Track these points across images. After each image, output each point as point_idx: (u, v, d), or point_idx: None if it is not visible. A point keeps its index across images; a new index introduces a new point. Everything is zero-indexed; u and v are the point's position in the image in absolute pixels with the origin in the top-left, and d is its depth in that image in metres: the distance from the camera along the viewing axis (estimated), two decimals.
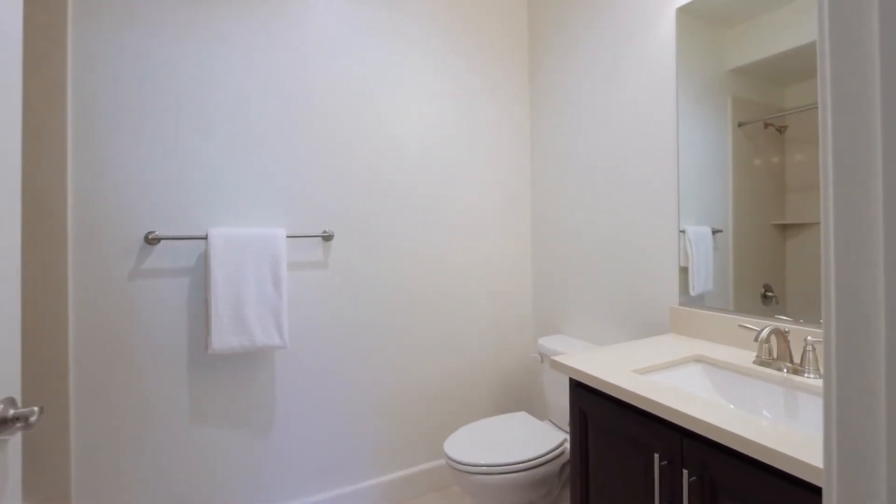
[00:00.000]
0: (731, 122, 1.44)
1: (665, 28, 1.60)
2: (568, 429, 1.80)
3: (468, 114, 2.13)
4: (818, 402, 1.03)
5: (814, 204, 1.20)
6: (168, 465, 1.57)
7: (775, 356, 1.16)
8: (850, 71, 0.35)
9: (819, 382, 1.05)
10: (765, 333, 1.10)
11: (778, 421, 1.08)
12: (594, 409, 1.18)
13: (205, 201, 1.63)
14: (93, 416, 1.48)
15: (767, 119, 1.31)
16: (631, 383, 1.07)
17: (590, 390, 1.20)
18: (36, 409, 0.63)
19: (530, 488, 1.57)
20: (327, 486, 1.83)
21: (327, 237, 1.80)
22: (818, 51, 0.38)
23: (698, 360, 1.29)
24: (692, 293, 1.52)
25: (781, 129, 1.29)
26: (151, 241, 1.53)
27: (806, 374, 1.09)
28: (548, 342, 1.95)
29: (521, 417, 1.86)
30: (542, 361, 1.97)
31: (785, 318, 1.26)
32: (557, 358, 1.29)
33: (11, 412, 0.63)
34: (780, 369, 1.13)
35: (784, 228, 1.27)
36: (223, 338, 1.54)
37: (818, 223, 1.20)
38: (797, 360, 1.18)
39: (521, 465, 1.54)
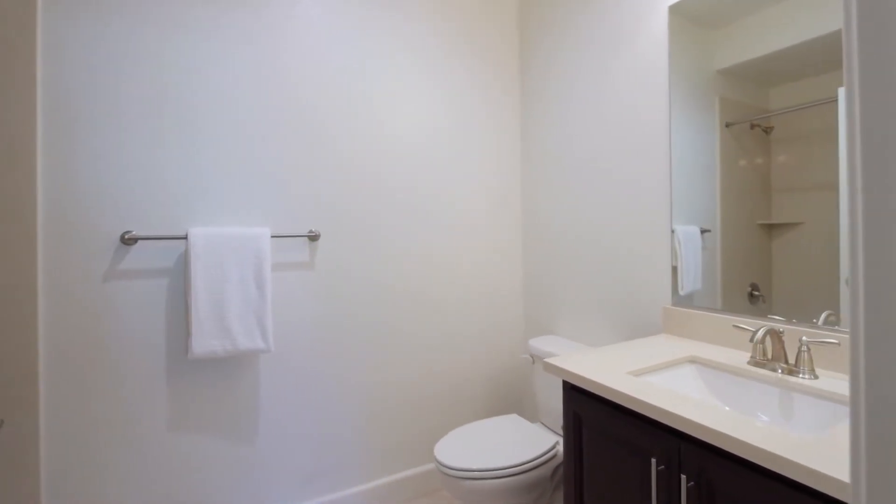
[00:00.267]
0: (719, 122, 1.44)
1: (657, 26, 1.58)
2: (559, 431, 1.78)
3: (457, 112, 2.09)
4: (814, 403, 1.02)
5: (798, 204, 1.21)
6: (145, 474, 1.50)
7: (770, 357, 1.15)
8: (879, 61, 0.32)
9: (814, 383, 1.04)
10: (760, 334, 1.08)
11: (774, 423, 1.07)
12: (589, 412, 1.15)
13: (185, 199, 1.56)
14: (64, 425, 1.40)
15: (754, 120, 1.32)
16: (627, 386, 1.05)
17: (584, 393, 1.18)
18: None
19: (522, 492, 1.54)
20: (314, 493, 1.77)
21: (313, 237, 1.75)
22: (844, 39, 0.35)
23: (692, 360, 1.28)
24: (681, 293, 1.53)
25: (767, 130, 1.30)
26: (128, 240, 1.46)
27: (801, 375, 1.08)
28: (539, 343, 1.93)
29: (512, 420, 1.83)
30: (534, 363, 1.94)
31: (778, 317, 1.25)
32: (551, 360, 1.26)
33: None
34: (774, 370, 1.12)
35: (770, 228, 1.29)
36: (204, 342, 1.48)
37: (803, 223, 1.21)
38: (792, 360, 1.17)
39: (512, 469, 1.51)
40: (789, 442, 0.77)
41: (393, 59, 1.93)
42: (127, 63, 1.48)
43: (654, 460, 0.96)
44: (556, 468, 1.64)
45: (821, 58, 1.16)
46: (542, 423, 1.87)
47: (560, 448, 1.66)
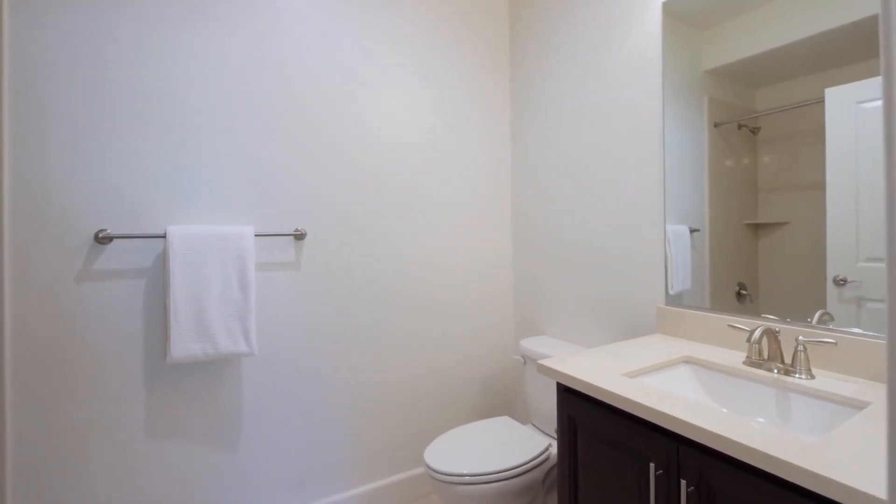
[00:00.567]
0: (708, 122, 1.44)
1: (650, 24, 1.57)
2: (551, 433, 1.76)
3: (448, 111, 2.06)
4: (812, 404, 1.00)
5: (785, 204, 1.22)
6: (123, 482, 1.43)
7: (766, 357, 1.14)
8: None
9: (811, 383, 1.03)
10: (757, 334, 1.07)
11: (773, 424, 1.05)
12: (584, 415, 1.12)
13: (163, 196, 1.49)
14: (33, 433, 1.33)
15: (741, 120, 1.33)
16: (623, 388, 1.02)
17: (579, 395, 1.15)
18: None
19: (514, 496, 1.51)
20: (301, 500, 1.72)
21: (299, 236, 1.69)
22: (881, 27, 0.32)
23: (687, 361, 1.26)
24: (671, 292, 1.53)
25: (755, 131, 1.31)
26: (102, 239, 1.40)
27: (797, 375, 1.07)
28: (530, 344, 1.90)
29: (504, 422, 1.80)
30: (525, 364, 1.91)
31: (772, 316, 1.24)
32: (545, 362, 1.23)
33: None
34: (770, 370, 1.11)
35: (756, 228, 1.29)
36: (183, 345, 1.42)
37: (789, 223, 1.22)
38: (788, 360, 1.16)
39: (504, 473, 1.47)
40: (795, 446, 0.74)
41: (383, 56, 1.89)
42: (101, 55, 1.41)
43: (652, 465, 0.93)
44: (549, 471, 1.61)
45: (807, 59, 1.16)
46: (534, 425, 1.85)
47: (552, 450, 1.63)
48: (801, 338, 1.08)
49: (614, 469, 1.05)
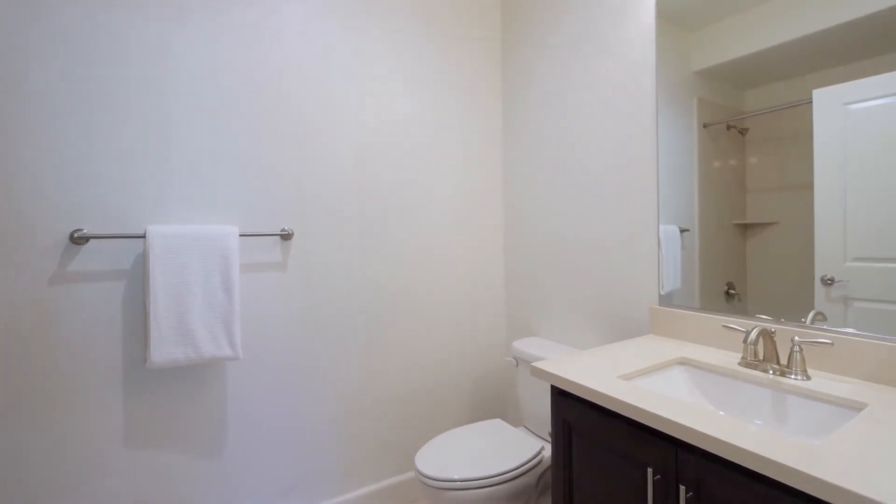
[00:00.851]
0: (697, 122, 1.44)
1: (644, 20, 1.56)
2: (544, 435, 1.73)
3: (438, 110, 2.02)
4: (810, 406, 0.99)
5: (773, 204, 1.23)
6: (101, 492, 1.37)
7: (761, 358, 1.13)
8: None
9: (807, 384, 1.02)
10: (754, 335, 1.05)
11: (771, 426, 1.04)
12: (579, 419, 1.10)
13: (143, 195, 1.43)
14: (5, 441, 1.26)
15: (730, 121, 1.34)
16: (620, 391, 1.00)
17: (574, 399, 1.12)
18: None
19: (507, 501, 1.48)
20: None
21: (286, 236, 1.65)
22: None
23: (682, 362, 1.24)
24: (661, 292, 1.53)
25: (743, 132, 1.32)
26: (78, 240, 1.33)
27: (793, 376, 1.06)
28: (522, 345, 1.88)
29: (496, 425, 1.77)
30: (517, 365, 1.89)
31: (765, 316, 1.24)
32: (539, 364, 1.21)
33: None
34: (766, 371, 1.10)
35: (745, 228, 1.30)
36: (164, 350, 1.36)
37: (777, 223, 1.22)
38: (784, 361, 1.15)
39: (497, 478, 1.45)
40: (796, 450, 0.73)
41: (373, 49, 1.85)
42: (79, 46, 1.35)
43: (650, 470, 0.91)
44: (542, 474, 1.59)
45: (796, 61, 1.16)
46: (526, 428, 1.82)
47: (545, 454, 1.61)
48: (797, 338, 1.07)
49: (610, 474, 1.03)
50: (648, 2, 1.53)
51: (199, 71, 1.51)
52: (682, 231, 1.49)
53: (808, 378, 1.05)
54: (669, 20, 1.49)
